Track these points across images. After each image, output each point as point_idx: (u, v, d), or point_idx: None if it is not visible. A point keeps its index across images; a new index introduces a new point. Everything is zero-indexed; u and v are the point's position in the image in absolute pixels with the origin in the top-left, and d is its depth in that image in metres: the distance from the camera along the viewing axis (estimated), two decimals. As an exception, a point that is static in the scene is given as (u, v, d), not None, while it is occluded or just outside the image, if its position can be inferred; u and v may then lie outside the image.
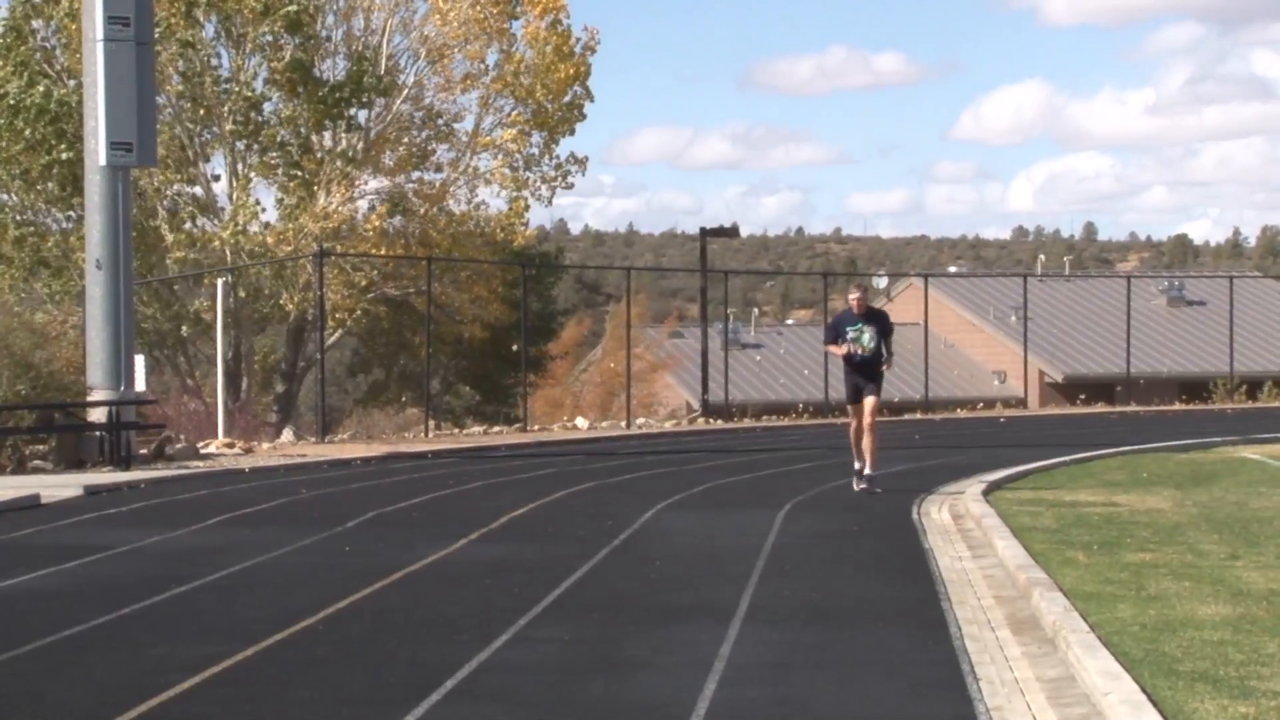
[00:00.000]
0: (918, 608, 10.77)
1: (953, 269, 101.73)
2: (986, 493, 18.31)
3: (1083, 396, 51.49)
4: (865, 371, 18.53)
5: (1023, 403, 52.29)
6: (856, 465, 18.89)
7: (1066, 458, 24.00)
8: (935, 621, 10.23)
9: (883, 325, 18.61)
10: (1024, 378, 52.72)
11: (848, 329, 18.50)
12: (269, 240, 39.05)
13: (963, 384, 62.37)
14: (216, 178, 40.94)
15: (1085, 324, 65.75)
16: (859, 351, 18.45)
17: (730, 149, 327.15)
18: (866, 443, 18.58)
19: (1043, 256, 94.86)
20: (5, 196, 39.15)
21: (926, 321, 45.98)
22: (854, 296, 18.77)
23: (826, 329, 19.53)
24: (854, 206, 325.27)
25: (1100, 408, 46.36)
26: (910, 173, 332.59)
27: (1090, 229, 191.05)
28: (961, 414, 42.77)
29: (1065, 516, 15.63)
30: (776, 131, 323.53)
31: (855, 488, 18.81)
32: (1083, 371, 62.62)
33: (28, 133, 37.04)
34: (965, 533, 14.94)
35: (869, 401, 18.45)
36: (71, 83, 37.70)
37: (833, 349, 18.87)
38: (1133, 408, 44.79)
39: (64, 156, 36.70)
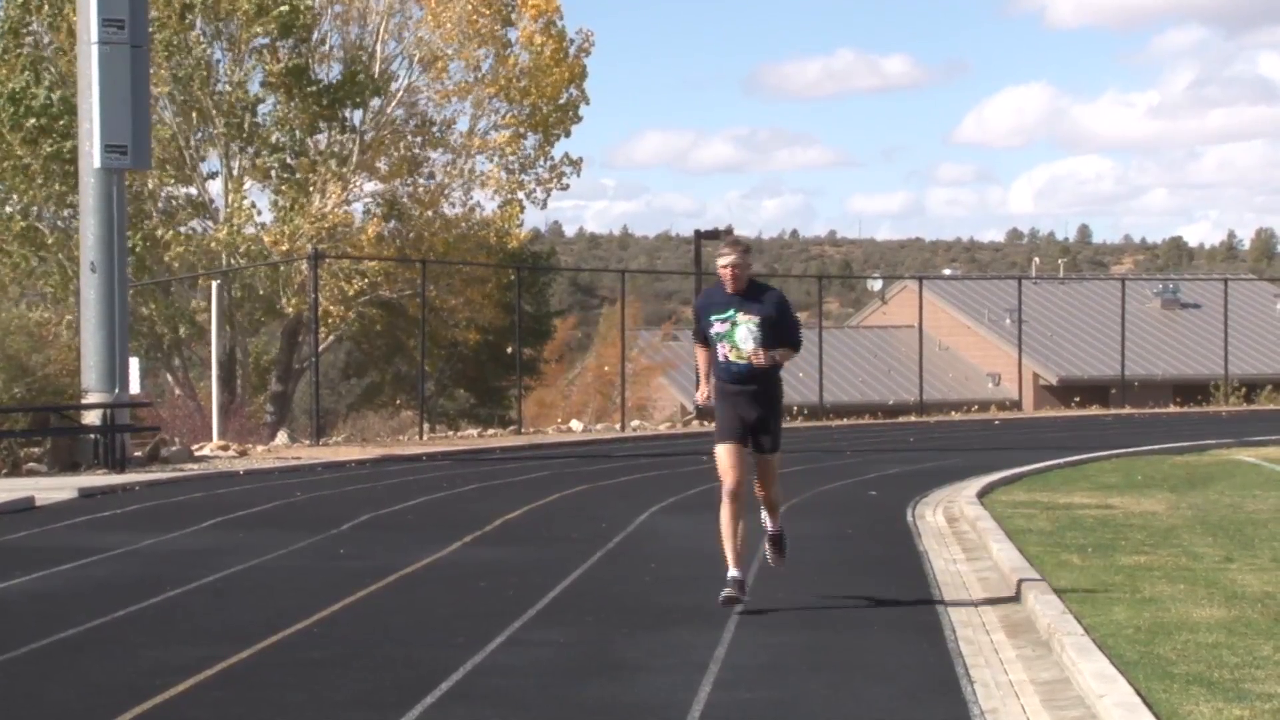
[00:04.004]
0: (912, 610, 10.77)
1: (947, 271, 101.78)
2: (981, 495, 18.33)
3: (1077, 399, 51.52)
4: (752, 392, 10.71)
5: (1017, 405, 52.42)
6: (732, 573, 10.60)
7: (1061, 460, 24.02)
8: (930, 624, 10.23)
9: (775, 310, 10.70)
10: (1018, 380, 52.86)
11: (713, 318, 10.73)
12: (265, 240, 39.05)
13: (957, 386, 62.42)
14: (214, 174, 40.97)
15: (1080, 327, 65.82)
16: (731, 357, 10.67)
17: (733, 152, 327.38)
18: (765, 512, 11.18)
19: (1037, 259, 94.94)
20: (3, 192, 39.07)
21: (921, 324, 46.02)
22: (725, 262, 10.65)
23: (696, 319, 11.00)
24: (854, 209, 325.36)
25: (1095, 410, 46.41)
26: (912, 175, 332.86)
27: (1085, 231, 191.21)
28: (956, 416, 42.81)
29: (1060, 519, 15.64)
30: (780, 134, 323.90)
31: (725, 596, 10.61)
32: (1077, 374, 62.68)
33: (30, 122, 36.94)
34: (960, 535, 14.94)
35: (766, 461, 10.89)
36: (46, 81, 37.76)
37: (700, 354, 11.03)
38: (1127, 410, 44.84)
39: (67, 146, 36.54)
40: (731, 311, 10.67)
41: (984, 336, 66.67)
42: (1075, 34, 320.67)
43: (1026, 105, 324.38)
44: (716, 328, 10.71)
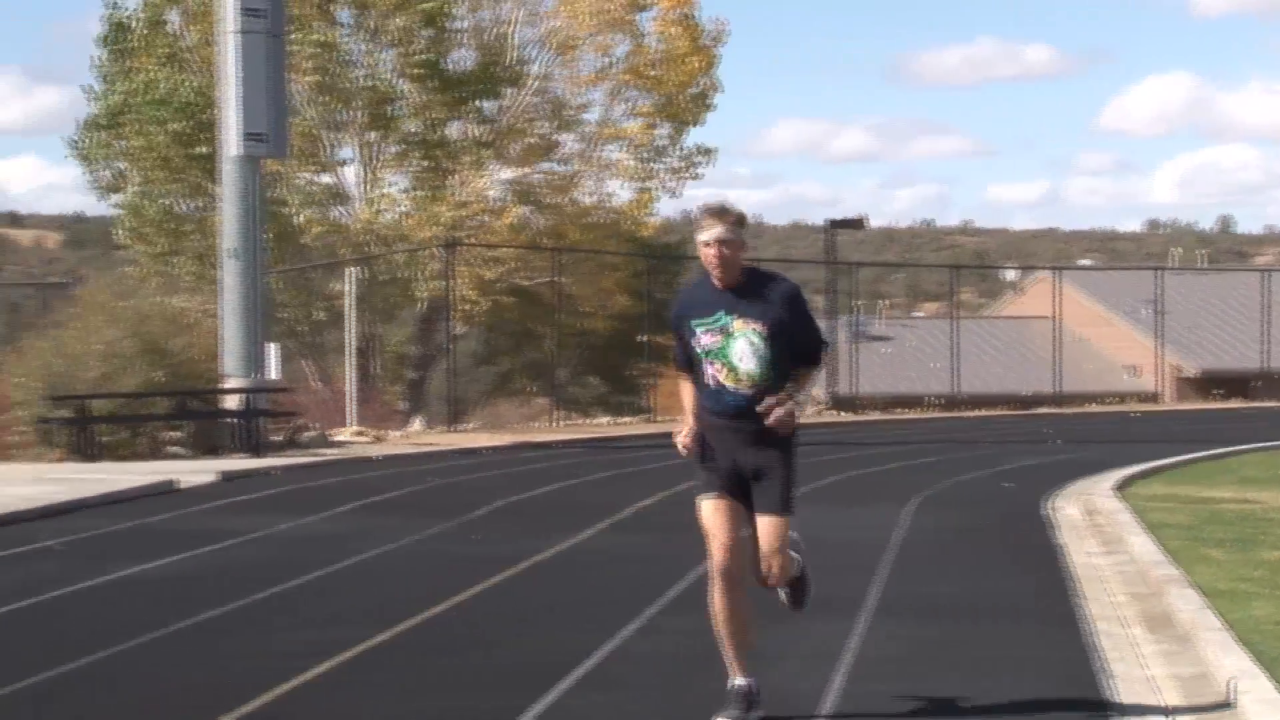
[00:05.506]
0: (1049, 604, 10.66)
1: (1084, 262, 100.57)
2: (1119, 488, 18.11)
3: (1218, 391, 50.69)
4: (742, 424, 7.27)
5: (1156, 397, 51.66)
6: (736, 682, 7.36)
7: (1201, 453, 23.67)
8: (1066, 617, 10.11)
9: (787, 310, 7.27)
10: (1157, 372, 52.05)
11: (697, 325, 7.32)
12: (404, 226, 39.42)
13: (1094, 378, 61.61)
14: (343, 162, 41.43)
15: (1220, 318, 64.74)
16: (725, 382, 7.28)
17: (870, 141, 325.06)
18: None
19: (1177, 250, 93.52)
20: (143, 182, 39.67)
21: (1057, 315, 45.52)
22: (707, 238, 7.19)
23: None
24: (991, 199, 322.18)
25: (1236, 403, 45.69)
26: (1051, 164, 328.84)
27: (1226, 222, 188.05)
28: (1093, 408, 42.31)
29: (1199, 513, 15.41)
30: (918, 123, 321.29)
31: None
32: (1218, 366, 61.63)
33: (171, 125, 37.51)
34: (1097, 529, 14.76)
35: (766, 526, 7.45)
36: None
37: (684, 388, 7.52)
38: (1270, 403, 44.06)
39: (203, 152, 37.03)
40: (722, 316, 7.26)
41: (1121, 328, 65.76)
42: (1220, 22, 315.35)
43: (1169, 93, 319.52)
44: (703, 340, 7.28)
